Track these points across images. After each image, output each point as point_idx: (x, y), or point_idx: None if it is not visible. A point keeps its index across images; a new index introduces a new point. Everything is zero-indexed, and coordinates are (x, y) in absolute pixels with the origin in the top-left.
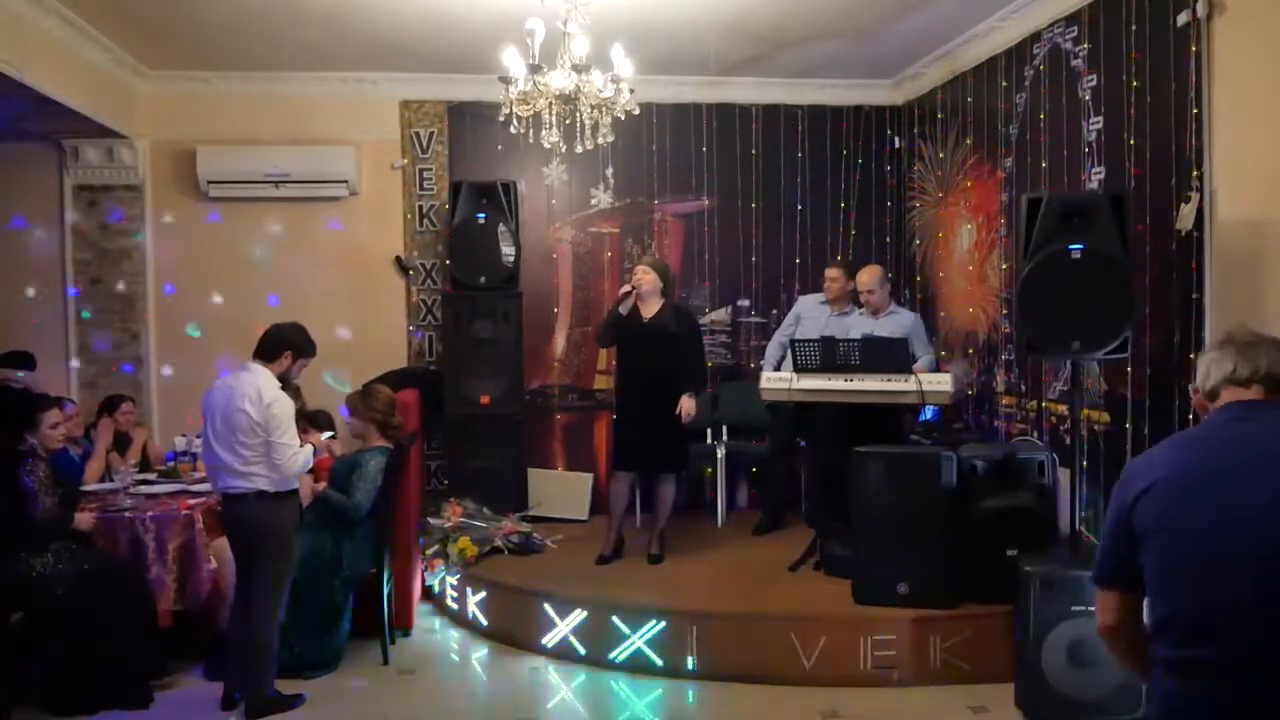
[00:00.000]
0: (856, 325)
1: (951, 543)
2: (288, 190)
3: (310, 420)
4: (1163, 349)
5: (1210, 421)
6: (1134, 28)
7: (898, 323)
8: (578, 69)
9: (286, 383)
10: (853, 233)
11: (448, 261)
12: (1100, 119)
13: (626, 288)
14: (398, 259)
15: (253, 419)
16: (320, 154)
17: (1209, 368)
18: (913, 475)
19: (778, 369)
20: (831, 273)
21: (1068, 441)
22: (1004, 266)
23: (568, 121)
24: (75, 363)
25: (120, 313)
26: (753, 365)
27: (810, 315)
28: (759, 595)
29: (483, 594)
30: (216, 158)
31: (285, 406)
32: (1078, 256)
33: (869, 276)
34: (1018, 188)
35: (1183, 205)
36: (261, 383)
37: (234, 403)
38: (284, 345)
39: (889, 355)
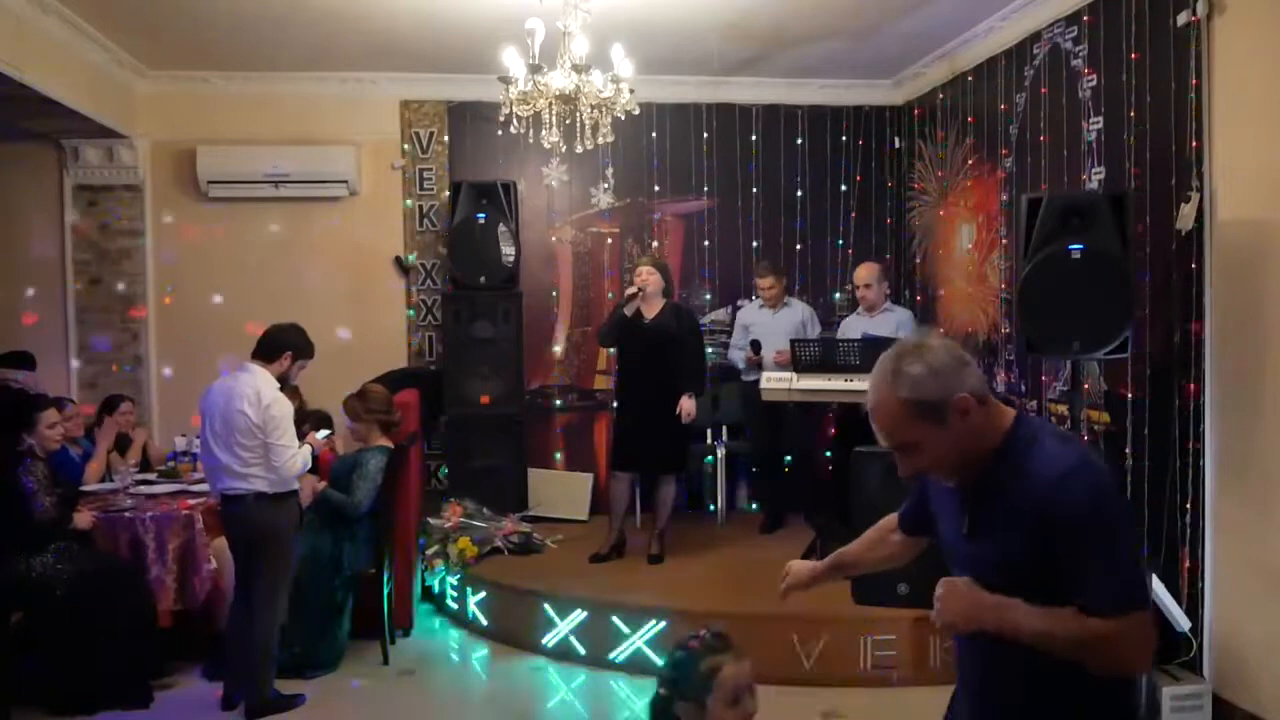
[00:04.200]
0: (795, 319)
1: None
2: (288, 190)
3: (313, 420)
4: (1163, 349)
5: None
6: (1134, 28)
7: (892, 320)
8: (578, 69)
9: (285, 383)
10: (853, 233)
11: (448, 261)
12: (1100, 119)
13: (633, 289)
14: (398, 259)
15: (251, 420)
16: (320, 154)
17: (963, 374)
18: None
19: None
20: (764, 282)
21: None
22: (1004, 266)
23: (568, 121)
24: (75, 363)
25: (120, 313)
26: None
27: (756, 320)
28: (759, 595)
29: (483, 594)
30: (216, 158)
31: (284, 408)
32: (1078, 256)
33: (866, 273)
34: (1018, 188)
35: (1183, 205)
36: (260, 384)
37: (232, 404)
38: (284, 346)
39: None
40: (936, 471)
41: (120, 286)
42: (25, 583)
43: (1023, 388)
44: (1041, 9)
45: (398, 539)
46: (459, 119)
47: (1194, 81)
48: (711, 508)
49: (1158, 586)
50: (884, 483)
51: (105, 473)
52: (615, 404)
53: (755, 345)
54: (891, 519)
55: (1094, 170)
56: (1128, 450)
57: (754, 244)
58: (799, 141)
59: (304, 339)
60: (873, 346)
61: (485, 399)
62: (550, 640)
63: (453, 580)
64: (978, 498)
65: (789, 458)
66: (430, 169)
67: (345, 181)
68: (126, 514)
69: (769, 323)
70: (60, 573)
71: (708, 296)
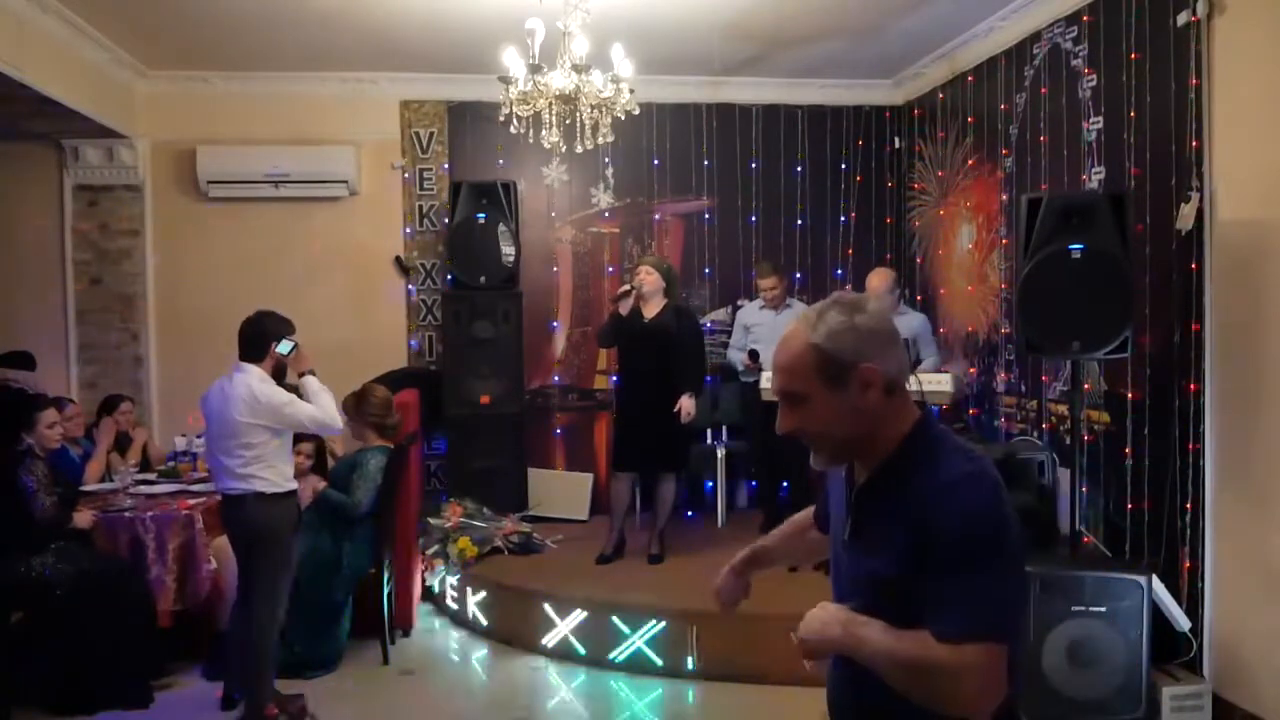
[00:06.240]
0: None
1: None
2: (288, 190)
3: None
4: (1163, 349)
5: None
6: (1134, 28)
7: (906, 324)
8: (578, 69)
9: (283, 376)
10: (853, 233)
11: (448, 261)
12: (1100, 119)
13: (626, 287)
14: (398, 259)
15: (249, 421)
16: (320, 154)
17: (886, 351)
18: None
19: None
20: (767, 282)
21: (1068, 441)
22: (1004, 266)
23: (568, 121)
24: (75, 363)
25: (120, 313)
26: None
27: (757, 321)
28: (759, 595)
29: (483, 594)
30: (216, 158)
31: (278, 396)
32: (1078, 256)
33: (879, 281)
34: (1018, 188)
35: (1183, 205)
36: (253, 383)
37: (228, 407)
38: (266, 337)
39: None
40: (816, 440)
41: (120, 286)
42: (25, 582)
43: (1023, 388)
44: (1041, 9)
45: (398, 539)
46: (459, 119)
47: (1194, 81)
48: (711, 507)
49: (1158, 586)
50: None
51: (105, 473)
52: (615, 404)
53: (754, 354)
54: (808, 513)
55: (1094, 170)
56: (1128, 450)
57: (754, 244)
58: (799, 141)
59: (278, 320)
60: None
61: (485, 399)
62: (550, 640)
63: (453, 580)
64: (862, 502)
65: (787, 458)
66: (430, 169)
67: (345, 181)
68: (126, 514)
69: (771, 323)
70: (60, 572)
71: (708, 296)
